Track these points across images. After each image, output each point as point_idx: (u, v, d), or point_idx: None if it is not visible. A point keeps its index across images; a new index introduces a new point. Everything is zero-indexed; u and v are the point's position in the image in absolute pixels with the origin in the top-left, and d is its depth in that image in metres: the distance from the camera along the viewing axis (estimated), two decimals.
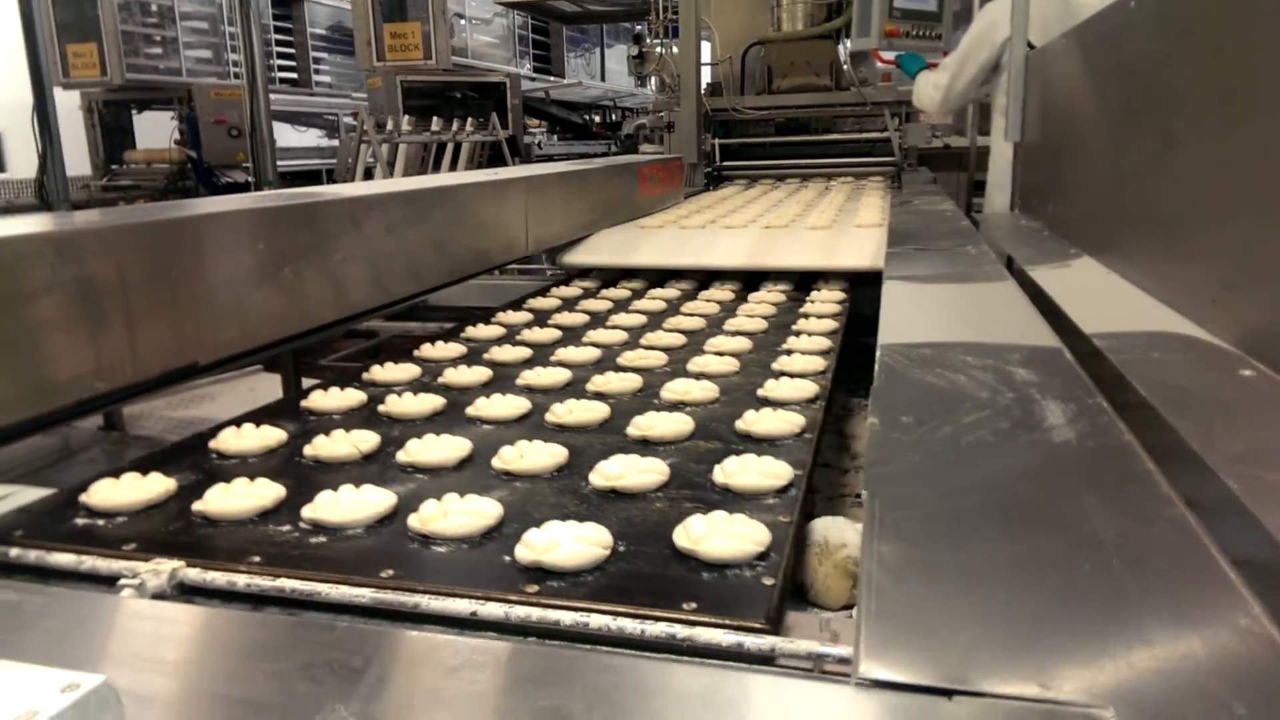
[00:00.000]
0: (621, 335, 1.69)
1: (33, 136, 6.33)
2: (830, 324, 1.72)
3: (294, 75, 8.96)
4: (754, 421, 1.12)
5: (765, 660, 0.64)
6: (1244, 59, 1.10)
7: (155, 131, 7.66)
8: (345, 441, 1.07)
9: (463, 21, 8.57)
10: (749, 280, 2.24)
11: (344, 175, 5.61)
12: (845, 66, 4.35)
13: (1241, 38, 1.11)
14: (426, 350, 1.58)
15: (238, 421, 1.15)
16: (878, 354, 1.10)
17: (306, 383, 1.71)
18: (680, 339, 1.63)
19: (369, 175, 5.78)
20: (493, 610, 0.70)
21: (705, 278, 2.32)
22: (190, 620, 0.63)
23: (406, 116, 5.86)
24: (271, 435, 1.10)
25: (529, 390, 1.33)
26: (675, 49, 4.62)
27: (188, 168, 7.22)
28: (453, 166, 6.40)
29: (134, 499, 0.90)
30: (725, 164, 4.50)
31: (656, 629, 0.67)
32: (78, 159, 7.11)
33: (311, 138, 9.43)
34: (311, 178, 8.26)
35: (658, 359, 1.49)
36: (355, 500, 0.88)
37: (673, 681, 0.51)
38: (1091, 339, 1.12)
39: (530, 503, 0.92)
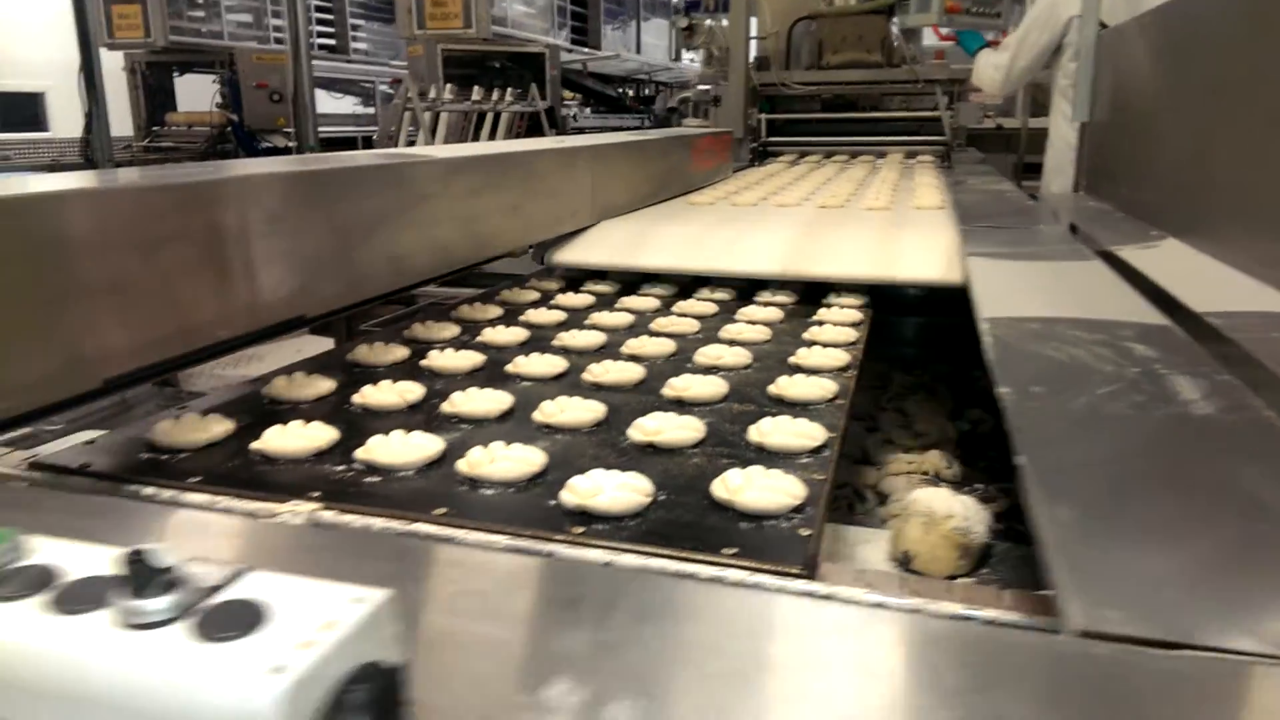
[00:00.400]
0: (654, 303, 1.74)
1: (74, 97, 6.39)
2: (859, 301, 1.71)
3: (332, 42, 8.95)
4: (787, 386, 1.15)
5: None
6: None
7: (194, 94, 7.70)
8: (392, 391, 1.11)
9: None
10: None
11: (386, 142, 5.61)
12: (897, 43, 4.29)
13: None
14: (465, 311, 1.63)
15: (289, 371, 1.21)
16: (983, 326, 1.11)
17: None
18: (713, 308, 1.66)
19: (411, 143, 5.77)
20: (539, 549, 0.74)
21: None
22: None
23: (448, 85, 5.84)
24: (322, 384, 1.16)
25: (565, 351, 1.36)
26: (724, 22, 4.57)
27: (227, 131, 7.25)
28: (491, 136, 6.39)
29: (196, 437, 0.96)
30: (771, 139, 4.47)
31: (697, 570, 0.70)
32: (120, 120, 7.16)
33: (347, 105, 9.44)
34: (347, 144, 8.28)
35: (690, 325, 1.52)
36: (406, 444, 0.92)
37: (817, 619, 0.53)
38: (1204, 318, 1.12)
39: (571, 454, 0.95)
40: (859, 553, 0.85)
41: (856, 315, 1.58)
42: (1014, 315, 1.15)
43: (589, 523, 0.77)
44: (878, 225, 2.15)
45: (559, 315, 1.61)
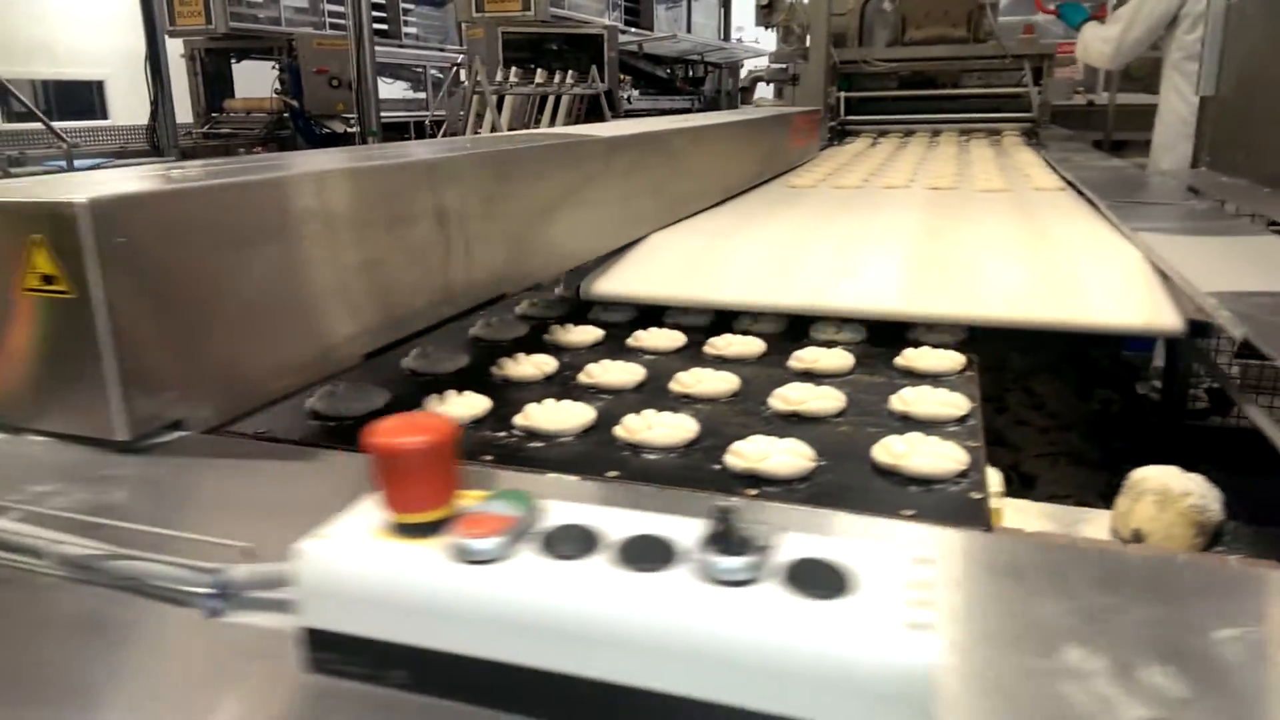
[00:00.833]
0: None
1: (132, 85, 6.49)
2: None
3: (384, 27, 8.99)
4: (914, 358, 1.16)
5: None
6: None
7: (251, 81, 7.79)
8: (529, 363, 1.15)
9: None
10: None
11: (457, 126, 5.63)
12: (986, 17, 4.23)
13: None
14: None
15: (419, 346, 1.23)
16: (1208, 302, 1.09)
17: None
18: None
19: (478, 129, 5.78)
20: None
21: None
22: None
23: (514, 68, 5.85)
24: (459, 357, 1.19)
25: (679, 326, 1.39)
26: None
27: (285, 117, 7.32)
28: (553, 119, 6.40)
29: (360, 407, 0.98)
30: (849, 118, 4.43)
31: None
32: (179, 107, 7.25)
33: (397, 90, 9.49)
34: (401, 129, 8.34)
35: None
36: (562, 411, 0.95)
37: None
38: None
39: (716, 421, 0.97)
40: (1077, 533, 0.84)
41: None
42: (1239, 290, 1.13)
43: (759, 486, 0.79)
44: (1009, 213, 1.98)
45: None
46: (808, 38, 4.45)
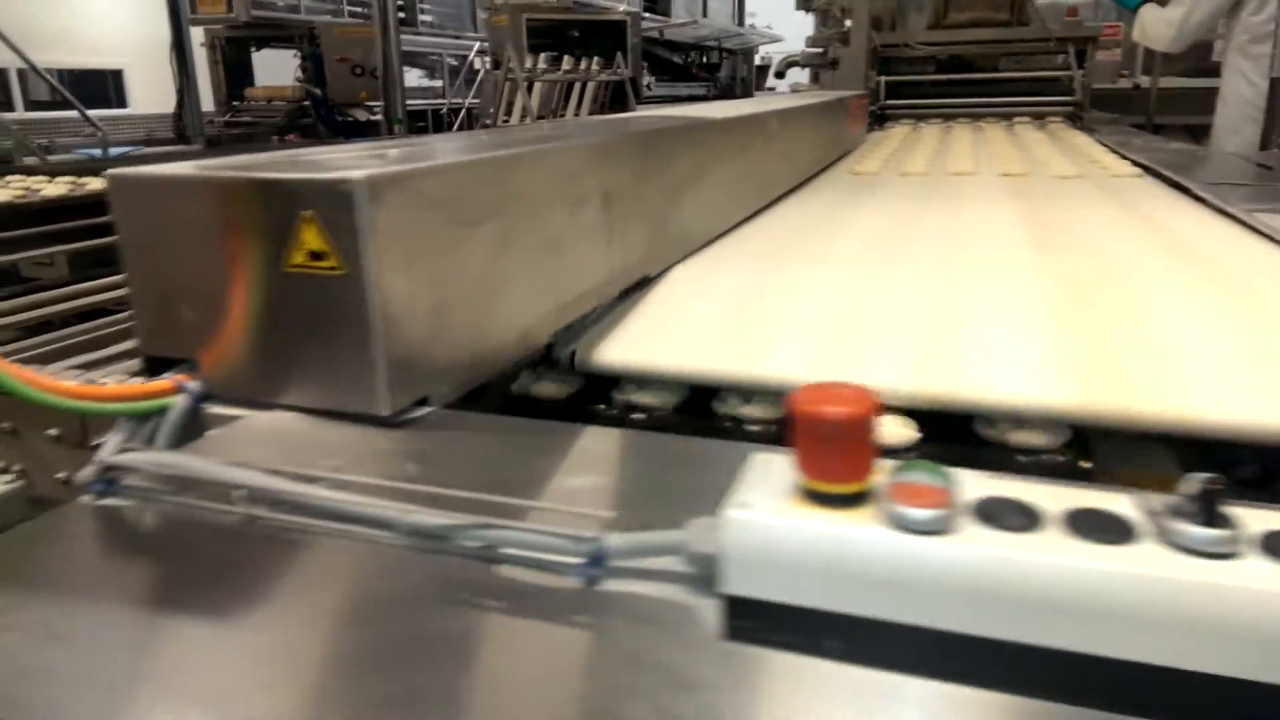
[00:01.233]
0: None
1: (150, 73, 6.46)
2: None
3: (401, 15, 8.92)
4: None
5: None
6: None
7: (270, 69, 7.75)
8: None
9: None
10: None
11: (490, 113, 5.60)
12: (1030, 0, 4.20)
13: None
14: None
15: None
16: None
17: None
18: None
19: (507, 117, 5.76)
20: None
21: None
22: None
23: (541, 55, 5.83)
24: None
25: None
26: None
27: (306, 105, 7.28)
28: (578, 107, 6.38)
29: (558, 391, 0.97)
30: (889, 103, 4.41)
31: None
32: (200, 95, 7.22)
33: (413, 78, 9.45)
34: (417, 118, 8.30)
35: None
36: None
37: None
38: None
39: None
40: None
41: None
42: None
43: None
44: (1115, 208, 1.83)
45: None
46: (847, 21, 4.42)
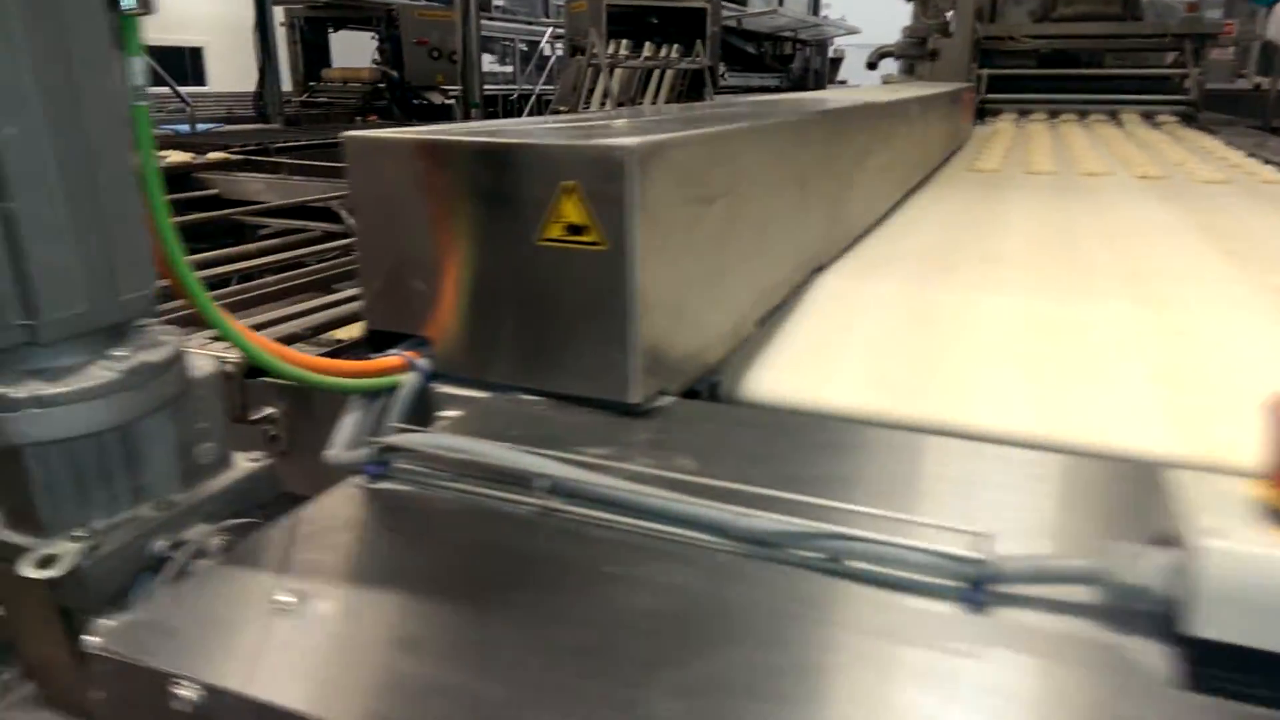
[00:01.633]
0: None
1: (228, 51, 6.53)
2: None
3: None
4: None
5: None
6: None
7: (346, 51, 7.82)
8: None
9: None
10: None
11: (568, 99, 5.57)
12: None
13: None
14: None
15: None
16: None
17: None
18: None
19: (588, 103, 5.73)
20: None
21: None
22: None
23: (623, 41, 5.79)
24: None
25: None
26: None
27: (381, 87, 7.33)
28: (655, 95, 6.32)
29: None
30: (990, 96, 4.26)
31: None
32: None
33: (484, 62, 9.48)
34: (487, 103, 8.31)
35: None
36: None
37: None
38: None
39: None
40: None
41: None
42: None
43: None
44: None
45: None
46: (948, 13, 4.29)
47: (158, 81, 5.78)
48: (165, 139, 3.81)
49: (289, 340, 0.89)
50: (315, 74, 7.70)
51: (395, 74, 7.15)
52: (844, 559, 0.46)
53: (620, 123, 0.78)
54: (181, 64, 9.20)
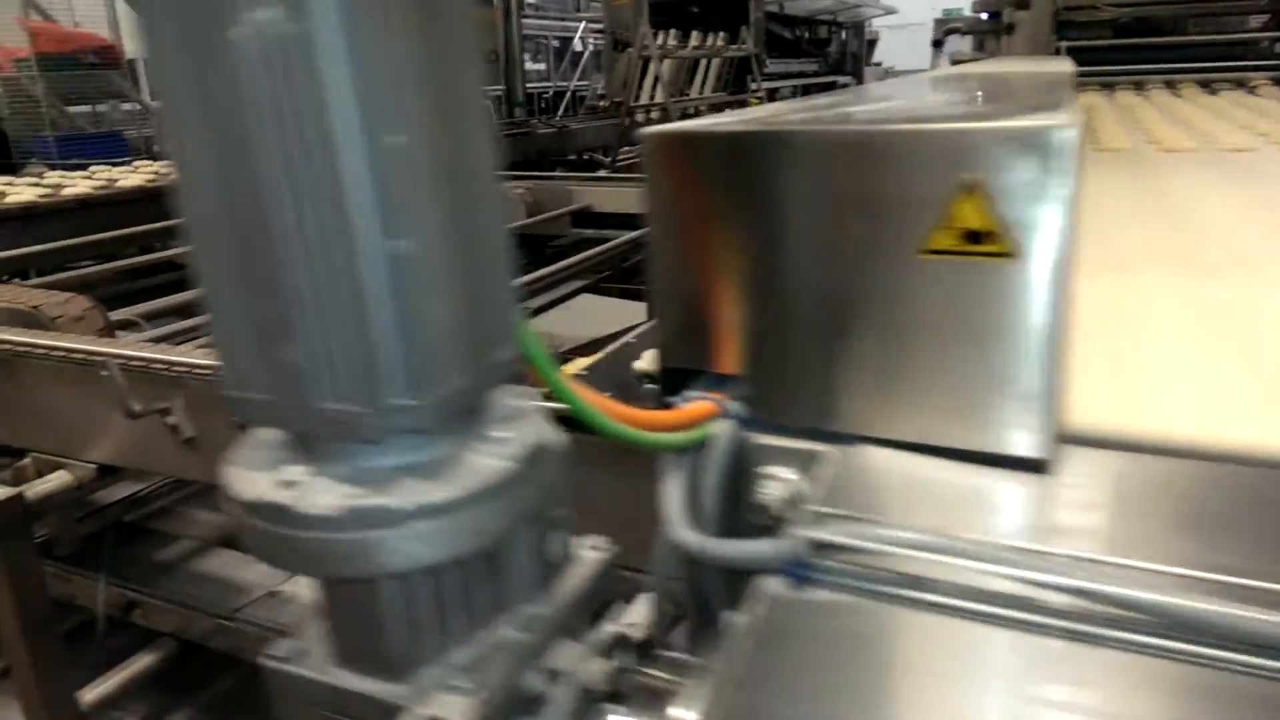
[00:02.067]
0: None
1: None
2: None
3: None
4: None
5: None
6: None
7: None
8: None
9: None
10: None
11: (619, 90, 5.43)
12: None
13: None
14: None
15: None
16: None
17: None
18: None
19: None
20: None
21: None
22: None
23: (671, 31, 5.67)
24: None
25: None
26: None
27: None
28: (703, 83, 6.19)
29: None
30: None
31: None
32: None
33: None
34: (528, 99, 8.21)
35: None
36: None
37: None
38: None
39: None
40: None
41: None
42: None
43: None
44: None
45: None
46: None
47: None
48: None
49: None
50: None
51: None
52: None
53: (939, 99, 0.65)
54: None
